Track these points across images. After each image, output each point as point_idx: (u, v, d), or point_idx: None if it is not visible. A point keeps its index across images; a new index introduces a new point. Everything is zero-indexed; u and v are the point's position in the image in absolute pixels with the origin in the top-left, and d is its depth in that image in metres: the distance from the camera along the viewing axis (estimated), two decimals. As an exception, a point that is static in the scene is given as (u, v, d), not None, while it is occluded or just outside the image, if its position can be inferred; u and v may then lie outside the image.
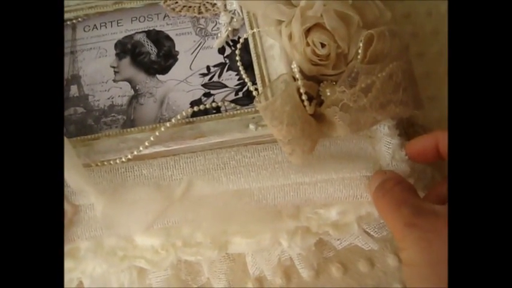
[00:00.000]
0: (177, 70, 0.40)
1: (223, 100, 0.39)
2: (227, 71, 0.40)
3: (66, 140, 0.34)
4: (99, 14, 0.42)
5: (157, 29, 0.42)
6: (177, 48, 0.41)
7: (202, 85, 0.40)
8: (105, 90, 0.40)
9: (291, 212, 0.37)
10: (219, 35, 0.41)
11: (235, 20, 0.41)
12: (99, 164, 0.36)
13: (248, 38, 0.40)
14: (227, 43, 0.41)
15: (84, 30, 0.42)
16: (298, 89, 0.35)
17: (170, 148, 0.36)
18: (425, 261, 0.29)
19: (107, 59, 0.41)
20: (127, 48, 0.41)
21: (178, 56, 0.41)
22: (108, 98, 0.40)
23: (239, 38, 0.41)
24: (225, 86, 0.39)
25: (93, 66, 0.41)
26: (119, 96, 0.40)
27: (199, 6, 0.42)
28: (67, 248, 0.36)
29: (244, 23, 0.41)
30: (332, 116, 0.35)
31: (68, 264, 0.36)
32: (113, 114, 0.39)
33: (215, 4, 0.42)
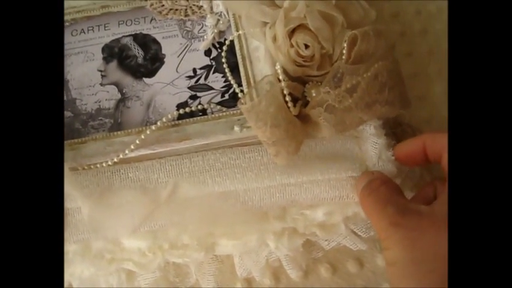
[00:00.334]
0: (164, 73, 0.40)
1: (209, 102, 0.39)
2: (213, 73, 0.40)
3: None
4: (86, 18, 0.43)
5: (144, 32, 0.42)
6: (163, 51, 0.41)
7: (188, 87, 0.40)
8: (93, 94, 0.40)
9: (277, 213, 0.37)
10: (205, 37, 0.41)
11: (221, 22, 0.41)
12: (85, 167, 0.36)
13: (234, 40, 0.40)
14: (213, 45, 0.41)
15: (72, 35, 0.42)
16: (282, 90, 0.35)
17: (156, 151, 0.36)
18: (408, 260, 0.29)
19: (94, 63, 0.41)
20: (114, 52, 0.41)
21: (164, 59, 0.41)
22: (96, 102, 0.40)
23: (225, 40, 0.41)
24: (211, 88, 0.40)
25: (81, 70, 0.41)
26: (106, 99, 0.40)
27: (186, 9, 0.42)
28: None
29: (230, 25, 0.41)
30: (317, 117, 0.35)
31: (56, 267, 0.36)
32: (100, 118, 0.39)
33: (201, 6, 0.42)
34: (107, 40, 0.42)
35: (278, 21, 0.36)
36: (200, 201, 0.35)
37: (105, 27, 0.42)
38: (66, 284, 0.38)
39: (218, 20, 0.41)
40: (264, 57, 0.38)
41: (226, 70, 0.39)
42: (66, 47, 0.42)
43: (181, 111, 0.38)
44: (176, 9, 0.42)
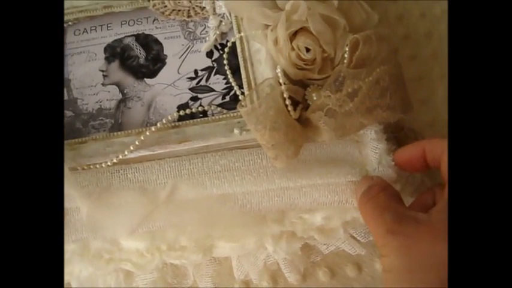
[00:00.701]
0: (165, 74, 0.40)
1: (210, 104, 0.39)
2: (215, 74, 0.40)
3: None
4: (89, 18, 0.43)
5: (147, 32, 0.42)
6: (165, 52, 0.41)
7: (189, 89, 0.40)
8: (94, 94, 0.40)
9: (275, 217, 0.37)
10: (207, 38, 0.41)
11: (223, 23, 0.41)
12: (85, 167, 0.36)
13: (236, 42, 0.40)
14: (215, 47, 0.41)
15: (74, 34, 0.42)
16: (282, 94, 0.35)
17: (155, 152, 0.36)
18: (403, 268, 0.29)
19: (96, 63, 0.41)
20: (116, 52, 0.41)
21: (166, 60, 0.41)
22: (97, 102, 0.40)
23: (227, 41, 0.40)
24: (212, 90, 0.40)
25: (83, 70, 0.41)
26: (107, 99, 0.40)
27: (189, 10, 0.42)
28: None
29: (232, 27, 0.41)
30: (317, 120, 0.35)
31: (54, 266, 0.36)
32: (101, 118, 0.39)
33: (204, 8, 0.42)
34: (110, 40, 0.42)
35: (280, 23, 0.36)
36: (199, 203, 0.35)
37: (107, 27, 0.42)
38: (64, 284, 0.38)
39: (220, 21, 0.41)
40: (265, 60, 0.37)
41: (228, 72, 0.39)
42: (68, 46, 0.42)
43: (181, 112, 0.38)
44: (179, 10, 0.42)
